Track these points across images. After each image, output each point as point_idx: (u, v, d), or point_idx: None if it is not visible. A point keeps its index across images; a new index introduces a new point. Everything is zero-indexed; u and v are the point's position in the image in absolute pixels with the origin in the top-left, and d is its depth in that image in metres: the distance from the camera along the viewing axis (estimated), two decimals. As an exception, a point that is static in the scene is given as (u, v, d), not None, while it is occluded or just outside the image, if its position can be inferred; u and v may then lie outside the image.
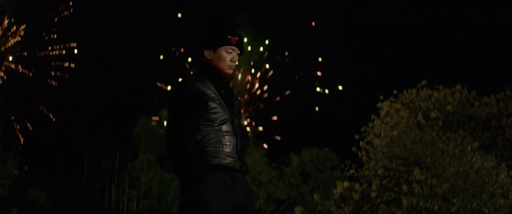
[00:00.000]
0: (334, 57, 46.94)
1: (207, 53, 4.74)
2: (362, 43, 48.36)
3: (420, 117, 17.98)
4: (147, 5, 48.90)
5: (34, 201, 29.17)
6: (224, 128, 4.64)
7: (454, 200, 15.17)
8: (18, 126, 38.35)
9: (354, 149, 19.26)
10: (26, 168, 33.51)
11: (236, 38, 4.75)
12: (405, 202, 15.70)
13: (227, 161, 4.61)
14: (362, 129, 19.25)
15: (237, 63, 4.80)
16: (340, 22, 47.66)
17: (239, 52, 4.78)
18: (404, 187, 16.69)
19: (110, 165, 35.75)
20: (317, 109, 45.79)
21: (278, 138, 45.39)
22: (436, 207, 15.00)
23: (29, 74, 41.54)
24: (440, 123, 18.08)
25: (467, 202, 15.17)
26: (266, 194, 33.08)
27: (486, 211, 14.69)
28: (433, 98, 18.61)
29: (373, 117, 19.24)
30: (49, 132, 37.56)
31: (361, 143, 19.15)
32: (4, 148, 31.38)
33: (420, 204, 15.31)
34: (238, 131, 4.75)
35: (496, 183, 16.56)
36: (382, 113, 19.02)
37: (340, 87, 46.22)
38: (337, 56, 47.00)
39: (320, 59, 48.60)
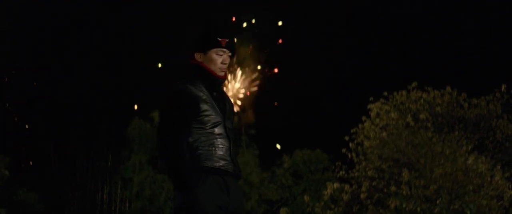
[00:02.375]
0: (324, 58, 47.02)
1: (197, 55, 4.76)
2: (353, 44, 48.43)
3: (409, 119, 18.04)
4: (146, 6, 48.93)
5: (24, 202, 29.13)
6: (216, 130, 4.64)
7: (438, 201, 15.25)
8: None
9: (344, 150, 19.32)
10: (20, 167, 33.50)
11: (227, 40, 4.77)
12: (392, 204, 15.78)
13: (220, 164, 4.60)
14: (352, 130, 19.31)
15: (227, 65, 4.82)
16: (330, 24, 47.73)
17: (230, 54, 4.81)
18: (393, 188, 16.77)
19: (103, 166, 35.76)
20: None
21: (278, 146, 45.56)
22: (419, 209, 15.07)
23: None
24: (429, 125, 18.15)
25: (450, 204, 15.25)
26: (258, 195, 33.14)
27: (468, 212, 14.77)
28: (422, 100, 18.68)
29: (363, 118, 19.30)
30: (41, 132, 37.53)
31: (350, 144, 19.21)
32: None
33: (403, 205, 15.38)
34: (230, 133, 4.75)
35: (491, 185, 16.64)
36: (373, 114, 19.08)
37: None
38: (328, 57, 47.08)
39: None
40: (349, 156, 19.35)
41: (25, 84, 41.37)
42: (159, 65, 44.84)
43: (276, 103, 46.59)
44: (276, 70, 48.47)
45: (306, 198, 21.08)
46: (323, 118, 42.35)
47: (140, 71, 44.90)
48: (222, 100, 4.81)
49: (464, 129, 18.82)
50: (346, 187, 18.64)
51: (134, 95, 40.86)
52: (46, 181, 33.82)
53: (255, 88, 48.57)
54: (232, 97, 48.12)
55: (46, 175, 34.65)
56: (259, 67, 48.62)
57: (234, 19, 48.71)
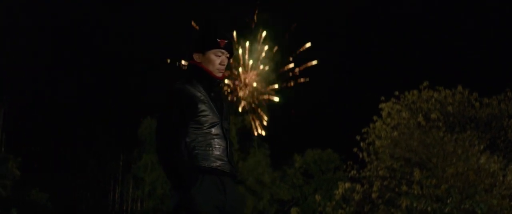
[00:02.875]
0: (336, 57, 46.98)
1: (196, 56, 4.76)
2: (364, 43, 48.39)
3: (420, 118, 18.04)
4: (155, 6, 49.07)
5: (36, 202, 29.23)
6: (214, 131, 4.65)
7: (448, 201, 15.24)
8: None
9: (355, 150, 19.33)
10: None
11: (225, 41, 4.76)
12: (404, 203, 15.78)
13: (217, 164, 4.61)
14: (363, 130, 19.31)
15: (225, 66, 4.81)
16: (342, 23, 47.70)
17: (228, 55, 4.81)
18: (404, 188, 16.77)
19: (115, 166, 35.90)
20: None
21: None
22: (429, 208, 15.05)
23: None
24: (440, 124, 18.15)
25: (461, 203, 15.23)
26: (269, 195, 33.19)
27: (479, 211, 14.75)
28: (433, 100, 18.67)
29: (375, 117, 19.31)
30: (52, 132, 37.65)
31: (362, 144, 19.22)
32: (6, 148, 31.51)
33: (414, 205, 15.38)
34: (227, 134, 4.75)
35: (503, 184, 16.62)
36: (384, 114, 19.08)
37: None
38: (339, 57, 47.05)
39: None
40: (361, 155, 19.35)
41: (36, 84, 41.55)
42: (168, 60, 44.99)
43: (293, 112, 46.61)
44: (314, 62, 48.21)
45: (317, 197, 21.10)
46: (334, 118, 42.35)
47: (149, 71, 45.01)
48: (220, 101, 4.81)
49: (476, 129, 18.79)
50: (358, 186, 18.65)
51: (144, 95, 41.01)
52: (57, 181, 33.95)
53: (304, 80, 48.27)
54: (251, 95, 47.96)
55: (58, 175, 34.78)
56: (292, 65, 48.46)
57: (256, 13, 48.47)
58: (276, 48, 49.26)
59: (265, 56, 49.15)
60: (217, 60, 4.75)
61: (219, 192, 4.59)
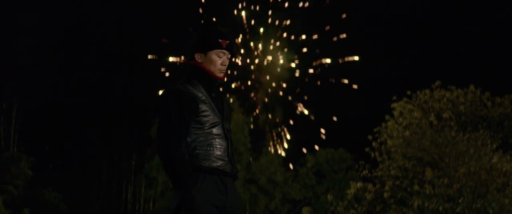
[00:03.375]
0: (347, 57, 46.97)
1: (198, 56, 4.77)
2: (376, 44, 48.34)
3: (432, 118, 18.04)
4: (167, 5, 49.16)
5: (48, 202, 29.33)
6: (215, 131, 4.67)
7: (460, 200, 15.24)
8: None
9: (367, 149, 19.35)
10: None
11: (227, 42, 4.78)
12: (415, 203, 15.80)
13: (218, 164, 4.62)
14: (375, 130, 19.33)
15: (227, 66, 4.82)
16: (354, 24, 47.66)
17: (229, 56, 4.83)
18: (416, 187, 16.78)
19: (127, 166, 36.00)
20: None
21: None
22: (441, 208, 15.06)
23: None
24: (452, 124, 18.14)
25: (472, 203, 15.23)
26: (282, 194, 33.21)
27: (491, 211, 14.74)
28: (445, 99, 18.66)
29: (387, 117, 19.32)
30: (65, 133, 37.78)
31: (374, 144, 19.24)
32: (19, 148, 31.64)
33: (425, 204, 15.39)
34: (228, 134, 4.77)
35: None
36: (396, 114, 19.09)
37: (355, 86, 46.02)
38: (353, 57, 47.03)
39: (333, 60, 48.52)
40: (373, 155, 19.37)
41: (48, 85, 41.70)
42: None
43: (312, 118, 46.17)
44: (356, 58, 47.38)
45: (329, 197, 21.12)
46: (347, 117, 42.34)
47: (158, 72, 45.11)
48: (220, 101, 4.83)
49: (488, 128, 18.76)
50: (370, 186, 18.66)
51: (153, 95, 41.13)
52: (70, 181, 34.09)
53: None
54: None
55: (70, 174, 34.92)
56: (328, 60, 47.56)
57: None
58: (303, 36, 48.04)
59: (285, 49, 48.33)
60: (218, 60, 4.75)
61: (220, 192, 4.60)
